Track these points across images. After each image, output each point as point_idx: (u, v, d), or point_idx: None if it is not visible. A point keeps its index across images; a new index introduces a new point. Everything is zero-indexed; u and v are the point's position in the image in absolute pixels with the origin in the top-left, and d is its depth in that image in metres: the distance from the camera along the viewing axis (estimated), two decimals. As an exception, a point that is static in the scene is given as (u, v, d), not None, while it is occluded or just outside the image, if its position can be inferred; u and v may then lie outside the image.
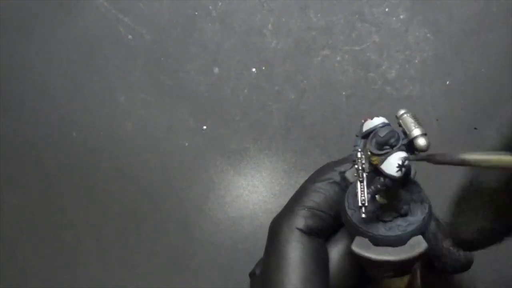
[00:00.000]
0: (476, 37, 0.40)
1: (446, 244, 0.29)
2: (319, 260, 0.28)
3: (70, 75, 0.44)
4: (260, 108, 0.42)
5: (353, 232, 0.28)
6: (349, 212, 0.28)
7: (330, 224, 0.30)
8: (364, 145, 0.27)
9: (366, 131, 0.27)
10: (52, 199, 0.44)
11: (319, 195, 0.30)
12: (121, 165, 0.43)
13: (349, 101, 0.42)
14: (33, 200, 0.44)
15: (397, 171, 0.25)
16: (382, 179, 0.26)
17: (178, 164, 0.43)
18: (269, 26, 0.42)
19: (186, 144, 0.43)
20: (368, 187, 0.26)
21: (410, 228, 0.27)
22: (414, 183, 0.28)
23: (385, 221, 0.27)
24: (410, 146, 0.26)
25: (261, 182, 0.42)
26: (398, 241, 0.26)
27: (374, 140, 0.26)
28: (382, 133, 0.26)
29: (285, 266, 0.28)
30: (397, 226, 0.27)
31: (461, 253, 0.29)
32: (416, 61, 0.41)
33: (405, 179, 0.28)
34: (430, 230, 0.28)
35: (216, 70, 0.43)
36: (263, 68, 0.42)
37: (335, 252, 0.30)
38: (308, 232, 0.29)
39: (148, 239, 0.43)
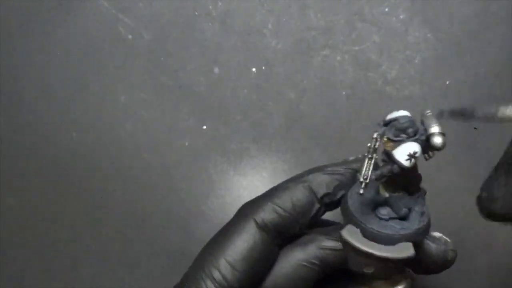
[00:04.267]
0: (476, 37, 0.40)
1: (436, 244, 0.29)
2: (259, 254, 0.29)
3: (70, 75, 0.44)
4: (260, 108, 0.42)
5: (348, 220, 0.28)
6: (350, 201, 0.28)
7: (290, 225, 0.29)
8: (383, 133, 0.27)
9: (389, 119, 0.27)
10: (52, 199, 0.44)
11: (286, 193, 0.30)
12: (121, 165, 0.43)
13: (349, 101, 0.42)
14: (33, 200, 0.44)
15: (407, 160, 0.25)
16: (390, 165, 0.26)
17: (178, 164, 0.43)
18: (269, 26, 0.42)
19: (186, 144, 0.43)
20: (375, 169, 0.26)
21: (402, 232, 0.27)
22: (423, 197, 0.28)
23: (381, 218, 0.28)
24: (426, 143, 0.26)
25: (261, 182, 0.42)
26: (387, 240, 0.27)
27: (393, 126, 0.26)
28: (403, 120, 0.26)
29: (223, 244, 0.29)
30: (390, 226, 0.27)
31: (443, 247, 0.29)
32: (416, 61, 0.41)
33: (414, 181, 0.28)
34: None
35: (216, 70, 0.43)
36: (263, 68, 0.42)
37: (293, 256, 0.29)
38: (263, 226, 0.29)
39: (148, 239, 0.43)
